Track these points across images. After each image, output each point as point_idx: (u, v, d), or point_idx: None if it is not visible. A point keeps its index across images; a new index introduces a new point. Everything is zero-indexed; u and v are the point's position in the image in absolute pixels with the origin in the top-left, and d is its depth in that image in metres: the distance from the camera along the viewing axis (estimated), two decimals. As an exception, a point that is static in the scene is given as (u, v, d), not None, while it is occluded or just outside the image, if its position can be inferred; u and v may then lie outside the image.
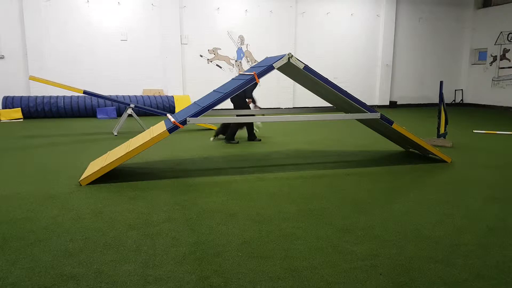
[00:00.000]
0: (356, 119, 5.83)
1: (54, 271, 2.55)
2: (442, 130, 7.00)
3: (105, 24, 12.10)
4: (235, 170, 5.31)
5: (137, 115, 8.52)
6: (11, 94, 11.07)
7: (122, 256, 2.76)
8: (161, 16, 12.45)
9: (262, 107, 10.21)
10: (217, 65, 13.22)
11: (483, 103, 15.56)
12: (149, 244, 2.95)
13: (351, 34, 14.55)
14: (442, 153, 5.74)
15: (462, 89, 16.42)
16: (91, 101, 11.33)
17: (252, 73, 4.99)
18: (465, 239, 3.09)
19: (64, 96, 11.13)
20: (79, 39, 11.90)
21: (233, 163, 5.75)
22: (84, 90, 8.02)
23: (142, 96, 11.68)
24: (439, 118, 6.95)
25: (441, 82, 6.93)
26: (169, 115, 5.31)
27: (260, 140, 7.54)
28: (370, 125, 6.45)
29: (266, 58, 5.88)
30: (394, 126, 5.36)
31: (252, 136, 7.51)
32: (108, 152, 5.39)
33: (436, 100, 13.85)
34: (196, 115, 4.78)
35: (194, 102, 5.77)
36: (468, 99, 16.32)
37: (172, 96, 12.02)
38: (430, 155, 5.97)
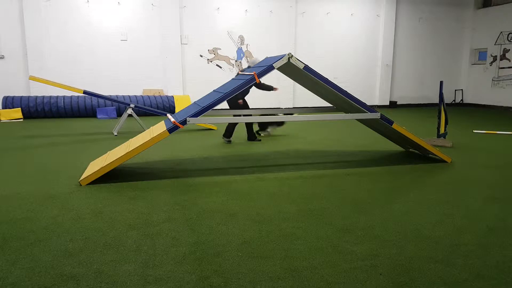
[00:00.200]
0: (356, 119, 5.83)
1: (54, 271, 2.55)
2: (442, 130, 7.00)
3: (105, 24, 12.10)
4: (235, 170, 5.31)
5: (137, 115, 8.52)
6: (11, 94, 11.07)
7: (122, 256, 2.76)
8: (161, 16, 12.45)
9: (261, 107, 10.20)
10: (217, 65, 13.22)
11: (483, 103, 15.56)
12: (149, 244, 2.95)
13: (351, 34, 14.55)
14: (442, 153, 5.74)
15: (462, 89, 16.43)
16: (91, 101, 11.33)
17: (252, 73, 4.99)
18: (465, 239, 3.09)
19: (64, 96, 11.13)
20: (79, 39, 11.90)
21: (233, 163, 5.75)
22: (84, 90, 8.02)
23: (142, 96, 11.68)
24: (439, 118, 6.95)
25: (441, 82, 6.93)
26: (169, 115, 5.31)
27: (260, 140, 7.54)
28: (370, 125, 6.45)
29: (266, 58, 5.88)
30: (394, 126, 5.36)
31: (252, 136, 7.51)
32: (108, 152, 5.39)
33: (436, 100, 13.85)
34: (196, 115, 4.78)
35: (194, 102, 5.77)
36: (468, 99, 16.32)
37: (172, 96, 12.02)
38: (430, 155, 5.97)
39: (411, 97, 15.81)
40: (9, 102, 10.60)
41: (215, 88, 6.05)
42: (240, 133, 7.60)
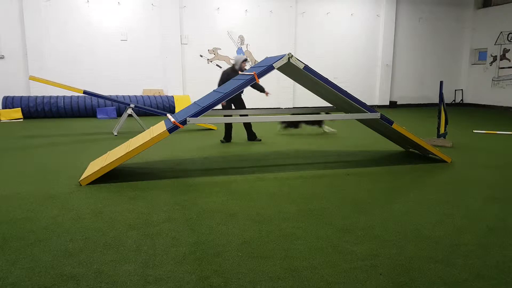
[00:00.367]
0: (356, 119, 5.83)
1: (54, 271, 2.55)
2: (442, 130, 7.00)
3: (105, 24, 12.10)
4: (235, 170, 5.31)
5: (137, 115, 8.52)
6: (11, 94, 11.07)
7: (122, 256, 2.76)
8: (161, 16, 12.45)
9: (261, 107, 10.20)
10: (217, 65, 13.22)
11: (483, 103, 15.56)
12: (149, 244, 2.95)
13: (351, 34, 14.55)
14: (442, 153, 5.74)
15: (462, 89, 16.43)
16: (91, 101, 11.33)
17: (252, 73, 4.99)
18: (465, 239, 3.09)
19: (64, 96, 11.13)
20: (79, 39, 11.91)
21: (233, 163, 5.75)
22: (84, 90, 8.02)
23: (142, 96, 11.69)
24: (439, 118, 6.95)
25: (441, 82, 6.93)
26: (169, 115, 5.31)
27: (260, 140, 7.54)
28: (370, 125, 6.45)
29: (266, 58, 5.88)
30: (394, 126, 5.36)
31: (252, 136, 7.51)
32: (108, 152, 5.39)
33: (436, 100, 13.84)
34: (196, 115, 4.78)
35: (194, 102, 5.77)
36: (468, 99, 16.32)
37: (172, 96, 12.02)
38: (430, 155, 5.97)
39: (411, 97, 15.81)
40: (9, 102, 10.61)
41: (215, 88, 6.05)
42: (240, 133, 7.60)
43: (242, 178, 4.85)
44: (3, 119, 10.28)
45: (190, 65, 12.95)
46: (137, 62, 12.49)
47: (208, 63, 13.16)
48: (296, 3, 13.65)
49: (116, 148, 5.40)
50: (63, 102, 11.03)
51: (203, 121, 5.19)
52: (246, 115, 6.69)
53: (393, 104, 15.31)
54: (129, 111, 8.30)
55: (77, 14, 11.82)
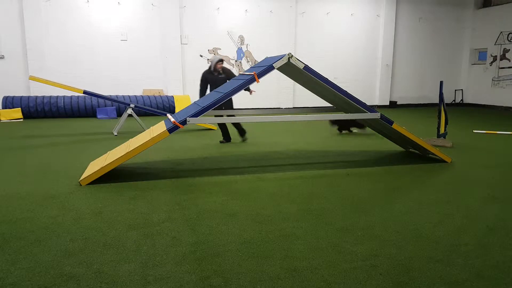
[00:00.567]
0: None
1: (54, 271, 2.55)
2: (442, 130, 7.00)
3: (105, 24, 12.10)
4: (235, 170, 5.31)
5: (137, 115, 8.52)
6: (11, 94, 11.07)
7: (122, 256, 2.76)
8: (161, 16, 12.45)
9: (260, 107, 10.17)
10: (217, 65, 13.19)
11: (483, 103, 15.56)
12: (149, 244, 2.95)
13: (351, 34, 14.55)
14: (442, 153, 5.74)
15: (462, 89, 16.43)
16: (91, 101, 11.33)
17: (252, 73, 4.99)
18: (465, 239, 3.09)
19: (64, 96, 11.13)
20: (79, 39, 11.90)
21: (233, 163, 5.75)
22: (84, 90, 8.02)
23: (142, 96, 11.68)
24: (439, 118, 6.95)
25: (441, 82, 6.93)
26: (169, 115, 5.31)
27: (242, 141, 7.40)
28: (370, 125, 6.45)
29: (266, 58, 5.88)
30: (394, 126, 5.36)
31: (242, 131, 7.43)
32: (108, 152, 5.39)
33: (436, 100, 13.85)
34: (196, 115, 4.78)
35: (194, 102, 5.77)
36: (468, 99, 16.32)
37: (172, 96, 12.02)
38: (430, 155, 5.97)
39: (411, 97, 15.81)
40: (9, 102, 10.61)
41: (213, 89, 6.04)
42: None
43: (242, 178, 4.85)
44: (3, 119, 10.29)
45: (190, 65, 12.95)
46: (137, 62, 12.49)
47: (208, 63, 13.11)
48: (296, 3, 13.65)
49: (116, 148, 5.40)
50: (63, 102, 11.03)
51: (203, 121, 5.19)
52: (233, 115, 6.60)
53: (393, 104, 15.31)
54: (129, 111, 8.30)
55: (77, 14, 11.82)
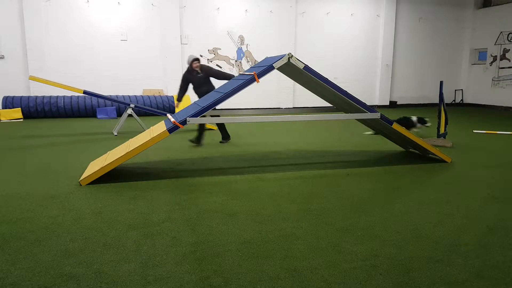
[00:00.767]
0: (356, 119, 5.83)
1: (54, 271, 2.55)
2: (442, 130, 7.01)
3: (105, 24, 12.10)
4: (235, 170, 5.31)
5: (137, 115, 8.52)
6: (11, 94, 11.07)
7: (122, 256, 2.76)
8: (161, 16, 12.45)
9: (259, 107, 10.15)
10: (217, 65, 13.21)
11: (483, 103, 15.56)
12: (149, 244, 2.95)
13: (351, 34, 14.56)
14: (442, 153, 5.74)
15: (462, 89, 16.43)
16: (91, 101, 11.33)
17: (252, 73, 4.99)
18: (465, 239, 3.09)
19: (64, 96, 11.13)
20: (79, 39, 11.91)
21: (233, 163, 5.75)
22: (84, 90, 8.02)
23: (142, 96, 11.68)
24: (439, 118, 6.95)
25: (441, 82, 6.94)
26: (169, 115, 5.31)
27: (228, 141, 7.31)
28: (370, 125, 6.45)
29: (266, 58, 5.88)
30: (394, 126, 5.36)
31: (225, 135, 7.28)
32: (108, 152, 5.39)
33: (436, 100, 13.85)
34: (196, 115, 4.78)
35: (194, 102, 5.77)
36: (468, 99, 16.32)
37: (172, 96, 12.01)
38: (430, 155, 5.97)
39: (411, 97, 15.81)
40: (9, 102, 10.61)
41: (215, 88, 6.05)
42: (239, 133, 7.59)
43: (242, 178, 4.85)
44: (3, 119, 10.29)
45: (190, 65, 12.92)
46: (137, 62, 12.49)
47: (208, 63, 13.15)
48: (296, 3, 13.65)
49: (116, 148, 5.40)
50: (63, 102, 11.03)
51: (203, 121, 5.18)
52: (218, 116, 6.50)
53: (393, 104, 15.31)
54: (129, 111, 8.30)
55: (77, 14, 11.82)
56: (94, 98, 11.30)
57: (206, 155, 6.18)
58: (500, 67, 14.88)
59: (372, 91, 15.16)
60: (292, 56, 4.92)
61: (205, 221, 3.42)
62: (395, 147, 6.70)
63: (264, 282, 2.43)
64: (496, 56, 15.01)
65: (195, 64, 6.91)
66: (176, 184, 4.54)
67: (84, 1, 11.82)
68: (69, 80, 10.94)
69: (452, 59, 16.14)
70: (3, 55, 11.40)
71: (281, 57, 4.98)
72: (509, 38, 14.48)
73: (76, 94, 11.28)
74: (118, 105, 11.50)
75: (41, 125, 9.56)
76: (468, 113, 13.40)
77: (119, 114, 11.24)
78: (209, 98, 5.29)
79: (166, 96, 12.03)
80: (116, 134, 8.15)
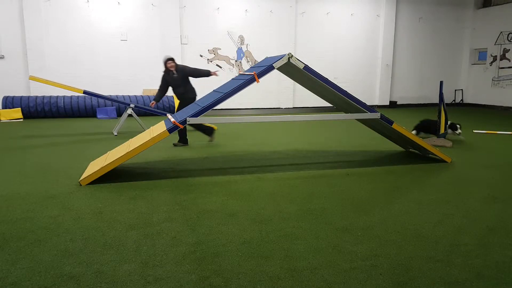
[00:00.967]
0: (356, 119, 5.83)
1: (54, 271, 2.55)
2: (442, 130, 7.00)
3: (105, 24, 12.09)
4: (235, 170, 5.31)
5: (137, 115, 8.52)
6: (11, 94, 11.07)
7: (122, 256, 2.76)
8: (161, 16, 12.45)
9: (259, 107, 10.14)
10: (217, 65, 13.21)
11: (483, 103, 15.55)
12: (149, 244, 2.95)
13: (351, 34, 14.55)
14: (442, 153, 5.74)
15: (462, 89, 16.43)
16: (91, 101, 11.33)
17: (252, 73, 4.99)
18: (465, 239, 3.09)
19: (64, 96, 11.13)
20: (79, 39, 11.90)
21: (233, 163, 5.75)
22: (84, 90, 8.02)
23: (142, 96, 11.68)
24: (439, 118, 6.95)
25: (441, 82, 6.93)
26: (169, 115, 5.32)
27: (182, 145, 6.92)
28: (370, 125, 6.45)
29: (266, 58, 5.88)
30: (394, 126, 5.36)
31: (184, 140, 6.92)
32: (108, 152, 5.39)
33: (436, 100, 13.83)
34: (196, 115, 4.78)
35: (194, 102, 5.77)
36: (468, 99, 16.32)
37: (172, 96, 12.01)
38: (430, 155, 5.97)
39: (411, 97, 15.81)
40: (9, 102, 10.60)
41: (215, 88, 6.04)
42: (239, 133, 7.58)
43: (242, 178, 4.85)
44: (3, 119, 10.28)
45: (190, 65, 12.87)
46: (137, 62, 12.48)
47: (208, 63, 13.15)
48: (296, 3, 13.65)
49: (116, 148, 5.40)
50: (63, 102, 11.03)
51: (203, 121, 5.18)
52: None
53: (393, 104, 15.31)
54: (129, 111, 8.30)
55: (77, 14, 11.81)
56: (94, 98, 11.30)
57: (206, 155, 6.18)
58: (500, 67, 14.87)
59: (372, 91, 15.15)
60: (292, 56, 4.93)
61: (205, 221, 3.42)
62: (395, 147, 6.70)
63: (264, 282, 2.43)
64: (496, 56, 15.01)
65: (169, 64, 6.73)
66: (176, 184, 4.54)
67: (84, 1, 11.81)
68: (69, 80, 10.92)
69: (452, 59, 16.14)
70: (3, 55, 11.39)
71: (281, 57, 4.98)
72: (509, 38, 14.48)
73: (76, 94, 11.27)
74: (118, 105, 11.50)
75: (41, 125, 9.55)
76: (468, 113, 13.40)
77: (119, 114, 11.24)
78: (209, 98, 5.29)
79: (166, 96, 12.03)
80: (116, 134, 8.15)
